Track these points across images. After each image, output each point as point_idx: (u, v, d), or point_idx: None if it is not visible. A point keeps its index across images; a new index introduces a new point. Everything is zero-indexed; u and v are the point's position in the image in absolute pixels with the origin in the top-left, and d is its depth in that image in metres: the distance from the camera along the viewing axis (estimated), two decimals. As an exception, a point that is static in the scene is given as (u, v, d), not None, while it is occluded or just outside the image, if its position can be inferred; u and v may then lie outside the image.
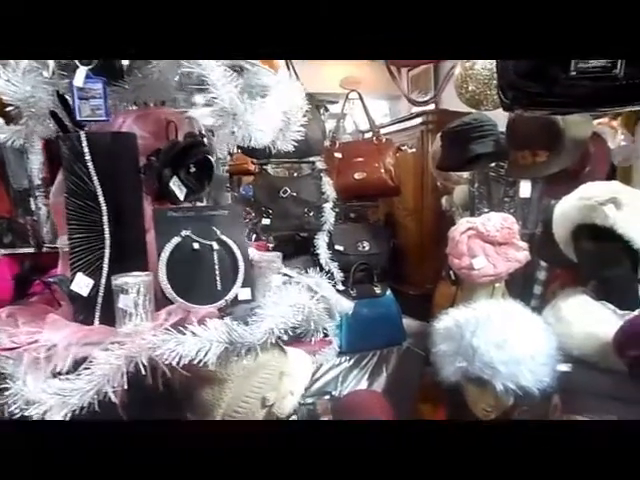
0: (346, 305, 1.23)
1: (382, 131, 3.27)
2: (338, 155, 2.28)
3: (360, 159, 2.28)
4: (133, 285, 0.91)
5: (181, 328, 0.90)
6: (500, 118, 1.93)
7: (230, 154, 2.71)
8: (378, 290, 2.29)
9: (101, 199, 0.96)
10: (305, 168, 2.31)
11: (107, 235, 0.96)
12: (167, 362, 0.86)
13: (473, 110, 2.14)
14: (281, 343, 1.11)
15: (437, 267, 2.34)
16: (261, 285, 1.11)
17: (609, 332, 1.36)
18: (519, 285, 1.91)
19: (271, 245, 2.32)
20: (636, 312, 1.39)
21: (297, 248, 2.30)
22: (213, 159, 1.11)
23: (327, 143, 2.33)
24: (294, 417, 1.50)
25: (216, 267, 1.03)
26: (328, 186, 2.16)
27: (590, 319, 1.44)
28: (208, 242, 1.04)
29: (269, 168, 2.76)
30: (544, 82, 1.11)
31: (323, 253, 2.20)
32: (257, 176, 2.20)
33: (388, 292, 2.31)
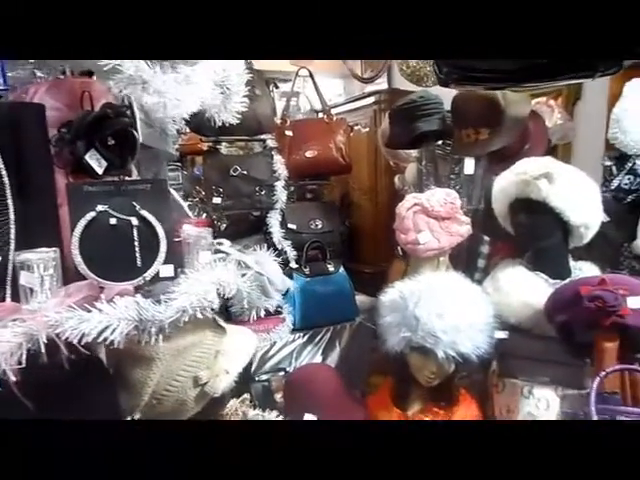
0: (286, 283, 1.22)
1: (336, 110, 3.28)
2: (289, 133, 2.26)
3: (311, 137, 2.28)
4: (36, 262, 0.88)
5: (88, 305, 0.88)
6: (448, 97, 1.97)
7: (179, 132, 2.66)
8: (331, 268, 2.31)
9: (3, 172, 0.91)
10: (256, 146, 2.29)
11: (11, 210, 0.92)
12: (69, 340, 0.84)
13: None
14: (221, 321, 1.10)
15: (392, 245, 2.39)
16: (189, 262, 1.08)
17: (542, 300, 1.45)
18: (464, 259, 1.99)
19: (224, 225, 2.30)
20: (566, 281, 1.48)
21: (250, 227, 2.30)
22: (137, 132, 1.05)
23: (278, 121, 2.30)
24: (246, 395, 1.51)
25: (136, 243, 1.00)
26: (279, 164, 2.15)
27: (525, 288, 1.53)
28: (126, 217, 1.00)
29: (222, 147, 2.73)
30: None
31: (276, 232, 2.20)
32: (206, 154, 2.16)
33: (341, 269, 2.33)
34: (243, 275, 1.06)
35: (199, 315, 0.95)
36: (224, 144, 2.66)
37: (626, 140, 1.74)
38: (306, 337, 2.22)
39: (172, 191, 1.30)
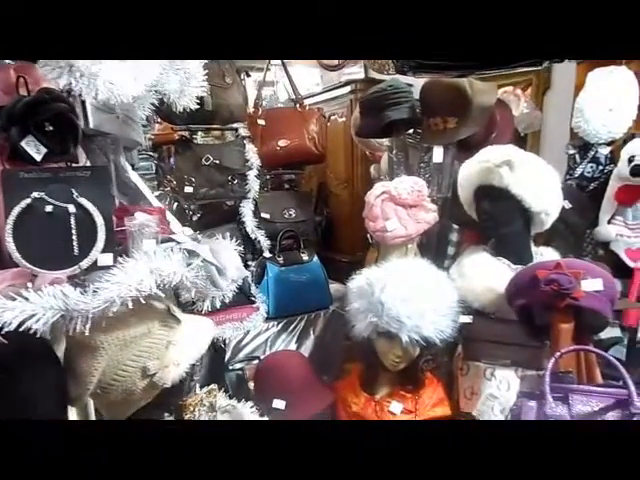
0: (242, 273, 1.20)
1: (312, 100, 3.29)
2: (261, 122, 2.26)
3: (284, 126, 2.28)
4: None
5: (13, 294, 0.86)
6: (418, 86, 1.99)
7: (154, 121, 2.64)
8: (305, 257, 2.33)
9: None
10: (229, 135, 2.28)
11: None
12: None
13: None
14: (177, 311, 1.08)
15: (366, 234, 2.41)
16: (132, 251, 1.04)
17: (504, 285, 1.48)
18: (434, 246, 2.02)
19: (197, 215, 2.30)
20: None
21: (223, 216, 2.30)
22: (78, 117, 1.02)
23: (250, 110, 2.30)
24: (213, 386, 1.48)
25: (73, 231, 0.97)
26: (252, 153, 2.14)
27: (488, 274, 1.56)
28: (63, 205, 0.97)
29: (199, 137, 2.71)
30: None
31: (249, 221, 2.21)
32: (178, 143, 2.14)
33: (315, 258, 2.35)
34: (189, 265, 1.03)
35: (130, 305, 0.93)
36: (199, 133, 2.67)
37: (588, 129, 1.78)
38: (280, 325, 2.24)
39: (134, 178, 1.29)
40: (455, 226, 2.00)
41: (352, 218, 3.13)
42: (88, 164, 1.08)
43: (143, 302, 0.95)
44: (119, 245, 1.03)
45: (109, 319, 0.93)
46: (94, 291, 0.90)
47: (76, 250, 0.98)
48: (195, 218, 2.28)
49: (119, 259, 0.97)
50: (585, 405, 1.13)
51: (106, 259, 0.99)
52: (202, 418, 1.30)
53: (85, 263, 0.97)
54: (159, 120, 2.57)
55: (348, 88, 3.01)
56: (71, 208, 0.97)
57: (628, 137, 1.72)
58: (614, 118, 1.74)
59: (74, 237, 0.97)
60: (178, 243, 1.05)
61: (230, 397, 1.45)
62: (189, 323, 1.13)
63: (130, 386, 1.01)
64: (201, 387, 1.42)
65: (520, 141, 2.19)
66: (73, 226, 0.97)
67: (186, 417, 1.27)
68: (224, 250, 1.14)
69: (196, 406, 1.28)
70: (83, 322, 0.88)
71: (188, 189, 2.10)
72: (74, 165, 1.02)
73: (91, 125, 1.02)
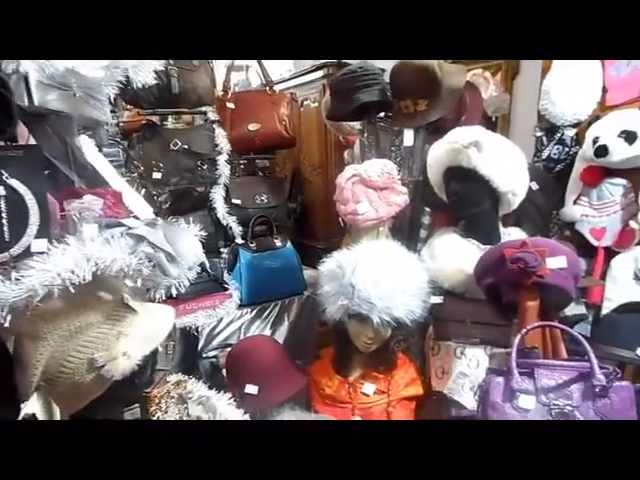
0: (199, 259, 1.13)
1: (285, 85, 3.25)
2: (231, 106, 2.21)
3: (254, 110, 2.24)
4: None
5: None
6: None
7: (116, 104, 2.56)
8: (278, 242, 2.31)
9: None
10: (197, 119, 2.23)
11: None
12: None
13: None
14: (131, 301, 1.03)
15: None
16: (71, 236, 0.97)
17: (473, 265, 1.50)
18: (406, 230, 2.03)
19: (168, 202, 2.25)
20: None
21: (194, 203, 2.25)
22: (11, 93, 0.93)
23: (219, 93, 2.25)
24: (183, 377, 1.43)
25: (3, 215, 0.91)
26: (221, 138, 2.10)
27: (457, 255, 1.58)
28: None
29: (169, 122, 2.65)
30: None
31: (220, 207, 2.17)
32: (145, 128, 2.08)
33: (288, 244, 2.34)
34: (132, 252, 0.97)
35: (55, 292, 0.88)
36: (170, 119, 2.60)
37: (555, 111, 1.81)
38: (254, 312, 2.23)
39: (92, 159, 1.24)
40: (427, 209, 2.01)
41: (326, 204, 3.11)
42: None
43: (89, 291, 0.91)
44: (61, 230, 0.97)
45: (52, 309, 0.89)
46: (16, 279, 0.84)
47: (6, 236, 0.91)
48: (165, 205, 2.25)
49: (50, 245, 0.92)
50: (550, 379, 1.16)
51: (40, 245, 0.92)
52: (171, 410, 1.26)
53: (16, 250, 0.90)
54: (129, 107, 2.51)
55: (320, 72, 2.96)
56: (0, 190, 0.90)
57: (592, 119, 1.76)
58: (579, 100, 1.77)
59: (4, 222, 0.91)
60: (129, 228, 0.99)
61: (205, 385, 1.41)
62: (146, 313, 1.07)
63: (78, 378, 0.95)
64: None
65: (490, 125, 2.22)
66: (3, 210, 0.91)
67: (152, 410, 1.22)
68: (182, 236, 1.08)
69: (162, 398, 1.24)
70: (6, 312, 0.84)
71: (156, 175, 2.05)
72: (1, 144, 0.95)
73: (36, 102, 0.96)
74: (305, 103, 3.19)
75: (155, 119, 2.34)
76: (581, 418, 1.09)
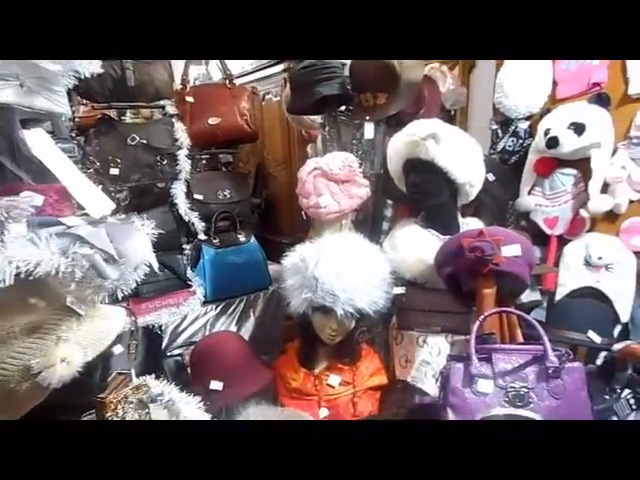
0: (144, 258, 1.04)
1: (246, 79, 3.21)
2: (190, 99, 2.17)
3: (214, 104, 2.20)
4: None
5: None
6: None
7: (79, 102, 2.47)
8: (242, 238, 2.29)
9: None
10: (156, 114, 2.18)
11: None
12: None
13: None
14: (75, 304, 0.97)
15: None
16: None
17: (433, 256, 1.53)
18: (369, 223, 2.06)
19: (127, 199, 2.19)
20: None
21: (155, 199, 2.20)
22: None
23: (177, 86, 2.20)
24: (141, 381, 1.36)
25: None
26: (181, 132, 2.05)
27: (418, 245, 1.61)
28: None
29: (127, 117, 2.57)
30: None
31: (181, 203, 2.13)
32: (100, 122, 2.01)
33: (252, 239, 2.32)
34: (64, 253, 0.90)
35: None
36: (128, 114, 2.53)
37: (509, 104, 1.87)
38: (219, 308, 2.21)
39: (38, 153, 1.18)
40: (389, 202, 2.04)
41: (291, 199, 3.11)
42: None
43: (20, 295, 0.86)
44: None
45: None
46: None
47: None
48: (125, 202, 2.19)
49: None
50: (507, 363, 1.20)
51: None
52: (129, 416, 1.19)
53: None
54: (85, 101, 2.42)
55: (282, 66, 2.95)
56: None
57: (544, 111, 1.82)
58: (531, 94, 1.83)
59: None
60: (69, 227, 0.93)
61: (171, 387, 1.35)
62: (93, 316, 1.01)
63: (13, 386, 0.89)
64: (137, 376, 1.35)
65: (450, 118, 2.26)
66: None
67: (107, 416, 1.15)
68: (129, 235, 1.02)
69: (119, 403, 1.17)
70: None
71: (114, 171, 1.98)
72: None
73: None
74: (267, 97, 3.16)
75: (113, 114, 2.28)
76: (535, 399, 1.13)
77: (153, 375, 1.32)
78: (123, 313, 1.07)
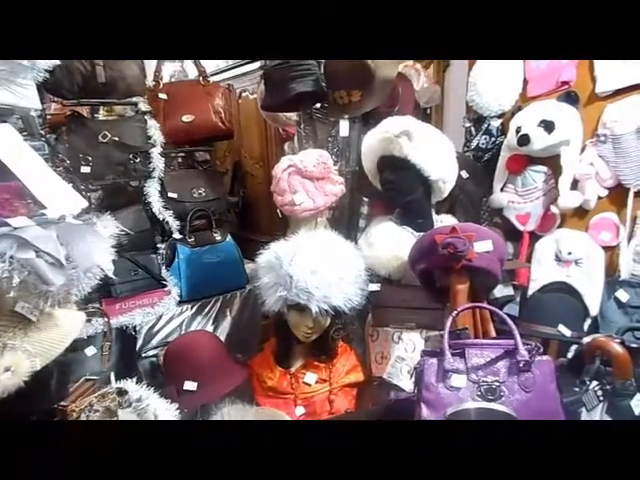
0: (94, 262, 0.99)
1: (222, 76, 3.18)
2: (163, 96, 2.14)
3: (187, 101, 2.17)
4: None
5: None
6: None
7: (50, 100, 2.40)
8: (218, 236, 2.26)
9: None
10: (129, 111, 2.14)
11: None
12: None
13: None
14: (26, 311, 0.93)
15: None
16: None
17: (408, 252, 1.54)
18: (346, 220, 2.06)
19: (99, 198, 2.15)
20: (427, 232, 1.59)
21: (128, 198, 2.16)
22: None
23: (150, 83, 2.16)
24: (109, 389, 1.30)
25: None
26: (154, 129, 2.02)
27: (393, 242, 1.62)
28: None
29: (100, 115, 2.51)
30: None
31: (155, 201, 2.09)
32: (70, 119, 1.97)
33: (228, 238, 2.30)
34: (1, 257, 0.84)
35: None
36: (101, 111, 2.47)
37: (481, 102, 1.89)
38: (195, 308, 2.18)
39: (13, 153, 1.14)
40: (365, 199, 2.04)
41: (269, 197, 3.08)
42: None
43: None
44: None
45: None
46: None
47: None
48: (97, 200, 2.14)
49: None
50: (479, 357, 1.20)
51: None
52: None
53: None
54: (55, 99, 2.36)
55: (258, 63, 2.92)
56: None
57: (515, 109, 1.85)
58: (503, 92, 1.86)
59: None
60: (15, 229, 0.88)
61: (147, 393, 1.30)
62: (48, 323, 0.97)
63: None
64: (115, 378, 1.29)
65: (425, 116, 2.28)
66: None
67: None
68: (83, 237, 0.97)
69: (82, 412, 1.12)
70: None
71: (85, 169, 1.94)
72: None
73: None
74: (244, 95, 3.15)
75: (86, 111, 2.23)
76: (507, 392, 1.14)
77: (132, 379, 1.27)
78: (82, 318, 1.03)
